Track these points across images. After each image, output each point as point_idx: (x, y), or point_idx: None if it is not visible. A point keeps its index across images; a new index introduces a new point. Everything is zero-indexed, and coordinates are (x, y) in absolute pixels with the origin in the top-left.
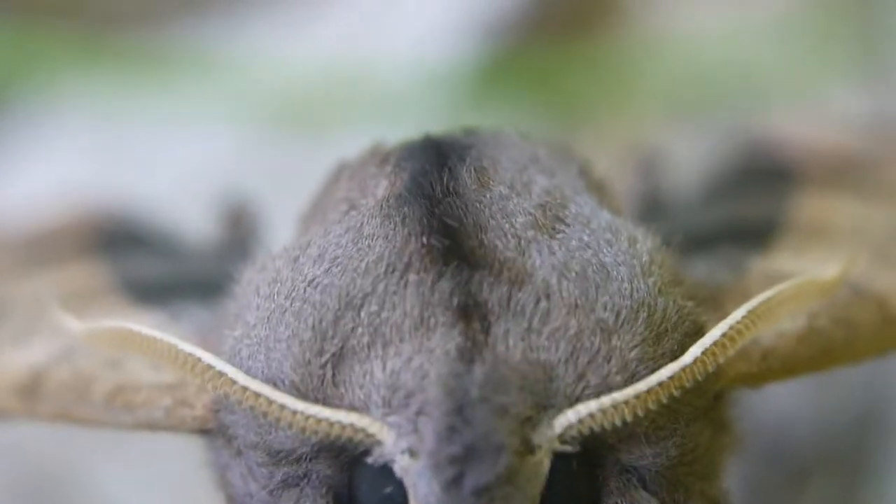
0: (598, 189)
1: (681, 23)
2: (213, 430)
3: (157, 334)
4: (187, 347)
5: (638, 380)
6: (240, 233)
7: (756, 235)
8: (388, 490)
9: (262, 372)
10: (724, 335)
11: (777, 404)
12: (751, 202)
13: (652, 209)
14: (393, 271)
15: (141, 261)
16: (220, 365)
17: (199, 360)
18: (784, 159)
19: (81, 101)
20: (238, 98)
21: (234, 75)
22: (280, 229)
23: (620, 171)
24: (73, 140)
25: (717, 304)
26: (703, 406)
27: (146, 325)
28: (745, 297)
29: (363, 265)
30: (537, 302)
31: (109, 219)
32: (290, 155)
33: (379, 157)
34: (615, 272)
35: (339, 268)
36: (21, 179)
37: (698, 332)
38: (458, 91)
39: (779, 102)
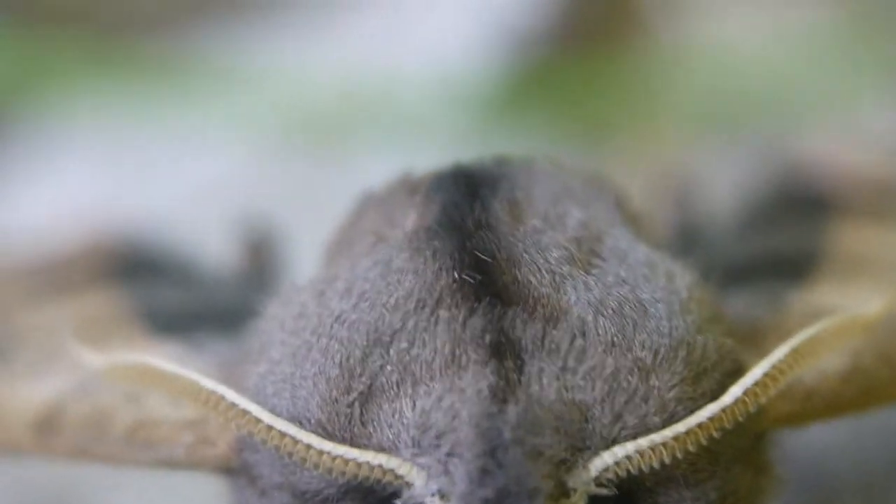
0: (633, 221)
1: (709, 35)
2: (235, 469)
3: (179, 370)
4: (210, 384)
5: (677, 421)
6: (260, 260)
7: (794, 267)
8: None
9: (288, 410)
10: (765, 374)
11: (813, 434)
12: (787, 232)
13: (686, 239)
14: (423, 307)
15: (159, 289)
16: (244, 403)
17: (223, 397)
18: (820, 186)
19: (91, 112)
20: (254, 111)
21: (250, 87)
22: (301, 254)
23: (652, 198)
24: (83, 154)
25: (756, 341)
26: (744, 447)
27: (166, 358)
28: (786, 334)
29: (392, 300)
30: (573, 340)
31: (125, 243)
32: (307, 171)
33: (407, 186)
34: (653, 309)
35: (367, 303)
36: (30, 196)
37: (739, 371)
38: (481, 106)
39: (810, 115)
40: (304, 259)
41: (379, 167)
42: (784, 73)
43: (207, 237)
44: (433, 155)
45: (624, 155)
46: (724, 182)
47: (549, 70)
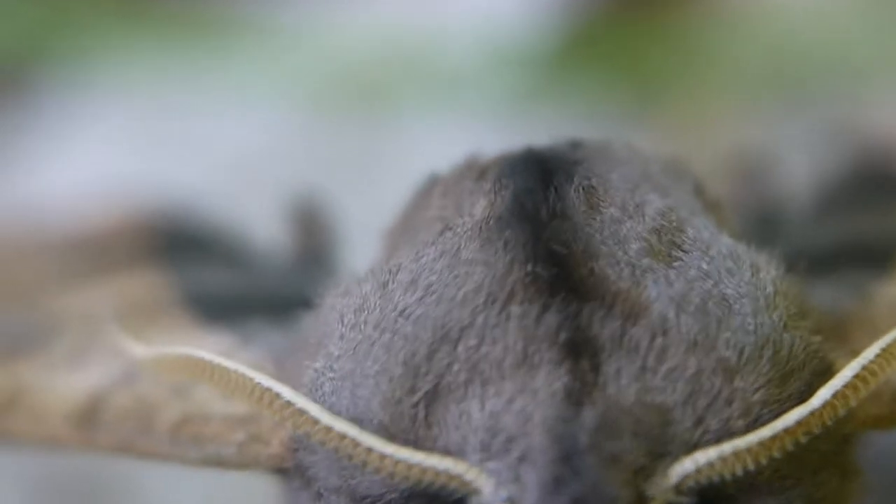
0: (714, 208)
1: None
2: (289, 470)
3: (230, 364)
4: (264, 380)
5: (762, 425)
6: (312, 237)
7: (877, 256)
8: None
9: (347, 409)
10: (856, 376)
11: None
12: (869, 217)
13: (763, 224)
14: (493, 302)
15: (204, 271)
16: (300, 402)
17: (278, 395)
18: None
19: (120, 76)
20: (294, 73)
21: (289, 48)
22: (352, 227)
23: (726, 179)
24: (112, 121)
25: (843, 336)
26: (831, 451)
27: (215, 349)
28: (872, 327)
29: (460, 294)
30: (653, 338)
31: (165, 219)
32: (352, 136)
33: (475, 171)
34: (738, 305)
35: (433, 296)
36: (59, 164)
37: (827, 371)
38: (530, 67)
39: (871, 75)
40: (356, 234)
41: (425, 130)
42: (842, 32)
43: (251, 210)
44: (481, 117)
45: (679, 120)
46: (792, 156)
47: (600, 30)
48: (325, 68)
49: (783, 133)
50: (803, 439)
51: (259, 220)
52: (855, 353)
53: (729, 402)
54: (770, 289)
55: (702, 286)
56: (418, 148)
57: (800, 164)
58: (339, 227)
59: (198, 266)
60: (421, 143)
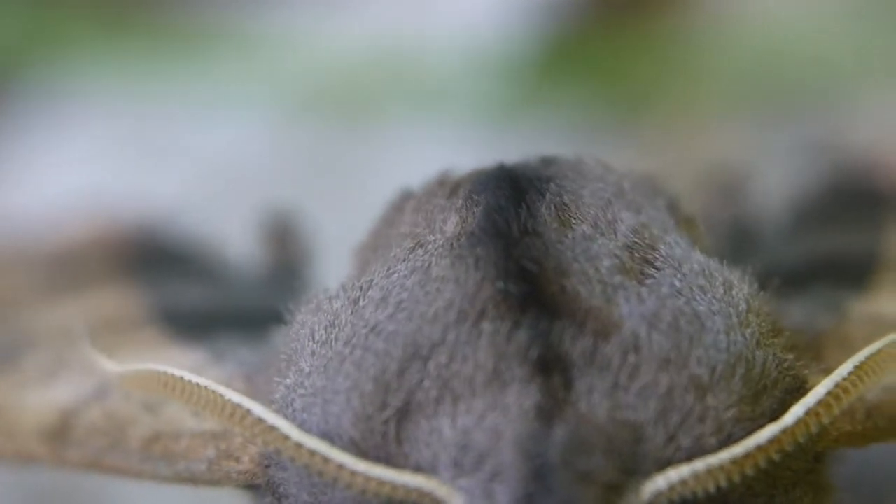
0: (687, 224)
1: (749, 5)
2: (260, 486)
3: (201, 381)
4: (234, 397)
5: (734, 442)
6: (285, 251)
7: (852, 272)
8: None
9: (318, 426)
10: (829, 393)
11: None
12: (844, 233)
13: (738, 239)
14: (464, 319)
15: (178, 286)
16: (271, 418)
17: (248, 412)
18: (877, 185)
19: (102, 87)
20: (274, 80)
21: (270, 55)
22: (327, 241)
23: (700, 193)
24: (90, 128)
25: (816, 353)
26: (804, 469)
27: (186, 366)
28: (846, 345)
29: (431, 311)
30: (625, 355)
31: (140, 233)
32: (330, 145)
33: (447, 187)
34: (710, 323)
35: (404, 313)
36: (33, 175)
37: (800, 389)
38: (512, 77)
39: (855, 92)
40: (334, 247)
41: (407, 141)
42: (826, 42)
43: (229, 221)
44: (464, 128)
45: (661, 131)
46: (773, 168)
47: (583, 40)
48: (307, 78)
49: (766, 145)
50: (776, 457)
51: (236, 232)
52: (829, 371)
53: (701, 420)
54: (743, 306)
55: (674, 303)
56: (400, 159)
57: (779, 176)
58: (315, 241)
59: (171, 281)
60: (403, 154)
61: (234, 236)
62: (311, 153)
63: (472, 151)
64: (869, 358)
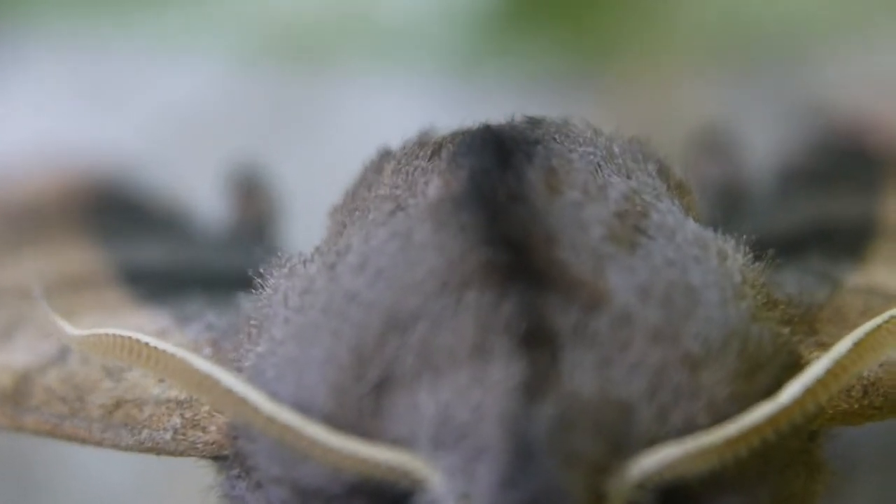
0: (679, 190)
1: None
2: (228, 458)
3: (166, 346)
4: (202, 364)
5: (728, 420)
6: (253, 210)
7: (846, 241)
8: None
9: (291, 397)
10: (827, 371)
11: None
12: (837, 199)
13: (728, 205)
14: (447, 288)
15: (141, 243)
16: (241, 388)
17: (217, 381)
18: (871, 149)
19: (55, 31)
20: (232, 25)
21: (228, 2)
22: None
23: (689, 157)
24: (47, 78)
25: (810, 326)
26: (798, 448)
27: (150, 329)
28: (841, 318)
29: (412, 280)
30: (615, 329)
31: (101, 186)
32: (289, 92)
33: (429, 148)
34: (704, 295)
35: (384, 282)
36: None
37: (795, 365)
38: (477, 22)
39: (828, 46)
40: (297, 200)
41: (369, 90)
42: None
43: (188, 171)
44: (426, 77)
45: (632, 83)
46: (751, 125)
47: None
48: (267, 23)
49: (741, 99)
50: (771, 437)
51: (195, 182)
52: (823, 345)
53: (694, 397)
54: (738, 277)
55: (666, 275)
56: (360, 108)
57: (758, 133)
58: (279, 196)
59: (133, 237)
60: (364, 104)
61: (195, 188)
62: (270, 100)
63: (435, 100)
64: (868, 334)
